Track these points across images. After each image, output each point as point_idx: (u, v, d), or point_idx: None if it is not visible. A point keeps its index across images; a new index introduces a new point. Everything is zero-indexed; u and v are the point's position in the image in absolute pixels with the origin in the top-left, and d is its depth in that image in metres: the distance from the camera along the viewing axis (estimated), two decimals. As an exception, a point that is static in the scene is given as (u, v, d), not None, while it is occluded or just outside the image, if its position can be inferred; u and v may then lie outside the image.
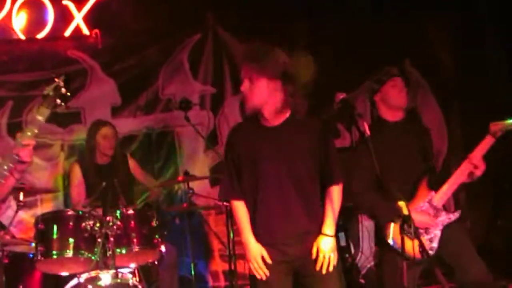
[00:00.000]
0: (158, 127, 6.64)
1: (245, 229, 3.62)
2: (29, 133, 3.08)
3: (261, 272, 3.55)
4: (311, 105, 3.60)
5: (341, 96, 3.53)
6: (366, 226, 5.86)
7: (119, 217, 4.48)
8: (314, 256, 3.56)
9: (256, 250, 3.58)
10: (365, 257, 5.85)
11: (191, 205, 5.51)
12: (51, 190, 5.81)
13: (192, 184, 5.65)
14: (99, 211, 4.73)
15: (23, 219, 6.00)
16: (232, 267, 5.34)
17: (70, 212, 4.57)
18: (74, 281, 4.51)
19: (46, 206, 6.07)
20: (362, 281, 5.75)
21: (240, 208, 3.65)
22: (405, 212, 3.35)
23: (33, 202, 6.09)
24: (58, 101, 3.15)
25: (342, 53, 6.60)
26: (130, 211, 4.63)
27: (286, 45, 3.63)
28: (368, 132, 3.46)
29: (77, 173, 5.43)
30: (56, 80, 3.16)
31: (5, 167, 3.06)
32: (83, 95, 6.45)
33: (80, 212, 4.55)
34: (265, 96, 3.52)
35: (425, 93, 7.02)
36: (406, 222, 3.36)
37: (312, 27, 6.65)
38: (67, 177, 6.01)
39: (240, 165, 3.65)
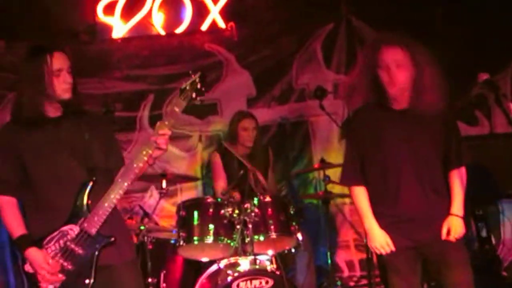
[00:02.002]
0: (292, 117, 6.63)
1: (369, 216, 3.54)
2: (166, 123, 3.19)
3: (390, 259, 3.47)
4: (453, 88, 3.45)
5: (484, 76, 3.37)
6: (508, 216, 5.59)
7: (256, 204, 4.52)
8: (444, 236, 3.44)
9: (381, 238, 3.49)
10: (507, 249, 5.58)
11: (327, 193, 5.43)
12: (192, 178, 5.93)
13: (327, 173, 5.59)
14: (238, 199, 4.77)
15: (165, 208, 6.20)
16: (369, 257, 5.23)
17: (210, 199, 4.66)
18: (214, 267, 4.59)
19: (186, 195, 6.23)
20: (504, 273, 5.47)
21: (362, 194, 3.57)
22: None
23: (173, 191, 6.27)
24: (194, 95, 3.23)
25: (482, 35, 6.27)
26: (268, 199, 4.65)
27: (421, 32, 3.51)
28: None
29: (217, 162, 5.51)
30: (193, 76, 3.25)
31: (144, 152, 3.17)
32: (219, 87, 6.56)
33: (219, 199, 4.63)
34: (409, 81, 3.44)
35: None
36: None
37: (447, 10, 6.39)
38: (206, 166, 6.13)
39: (364, 148, 3.57)
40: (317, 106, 6.05)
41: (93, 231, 3.16)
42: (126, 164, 3.31)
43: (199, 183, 6.44)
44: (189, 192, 6.36)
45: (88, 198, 3.20)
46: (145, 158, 3.17)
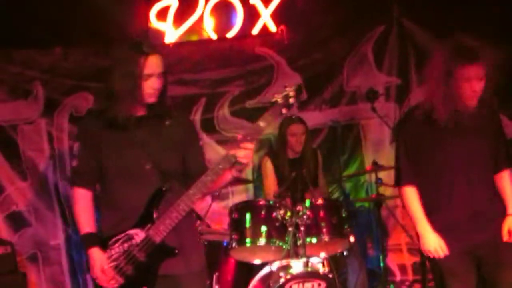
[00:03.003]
0: (343, 120, 6.60)
1: (421, 219, 3.50)
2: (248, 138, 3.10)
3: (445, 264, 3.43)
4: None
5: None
6: None
7: (309, 206, 4.50)
8: (506, 238, 3.40)
9: (435, 241, 3.45)
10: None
11: (379, 195, 5.38)
12: (244, 181, 5.95)
13: (379, 176, 5.54)
14: (289, 201, 4.76)
15: (216, 210, 6.23)
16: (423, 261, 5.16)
17: (262, 202, 4.64)
18: (266, 269, 4.60)
19: (237, 198, 6.26)
20: None
21: (414, 196, 3.53)
22: None
23: (225, 194, 6.31)
24: (284, 110, 3.11)
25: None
26: (319, 201, 4.62)
27: (473, 32, 3.46)
28: None
29: (268, 166, 5.52)
30: (287, 89, 3.14)
31: (220, 166, 3.11)
32: (270, 90, 6.53)
33: (271, 202, 4.60)
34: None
35: None
36: None
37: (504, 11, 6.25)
38: (257, 169, 6.15)
39: (417, 149, 3.53)
40: (368, 109, 6.00)
41: (158, 239, 3.13)
42: (201, 177, 3.15)
43: (250, 186, 6.45)
44: (240, 195, 6.39)
45: (159, 205, 3.16)
46: (220, 173, 3.11)
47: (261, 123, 3.10)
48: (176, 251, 3.15)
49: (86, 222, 3.24)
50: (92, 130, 3.25)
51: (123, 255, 3.15)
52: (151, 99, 3.19)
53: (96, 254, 3.16)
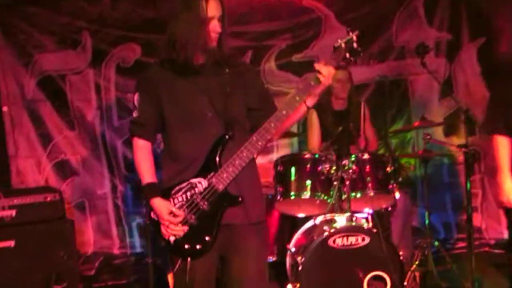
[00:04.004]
0: (391, 75, 6.49)
1: (505, 170, 3.52)
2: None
3: None
4: None
5: None
6: None
7: (354, 161, 4.47)
8: None
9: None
10: None
11: (426, 152, 5.29)
12: (289, 134, 5.92)
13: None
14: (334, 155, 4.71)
15: (261, 164, 6.20)
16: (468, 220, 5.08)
17: (308, 155, 4.62)
18: (309, 223, 4.62)
19: (282, 152, 6.24)
20: None
21: (506, 146, 3.53)
22: None
23: (270, 148, 6.30)
24: (347, 54, 3.06)
25: None
26: (366, 156, 4.59)
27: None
28: None
29: (314, 119, 5.46)
30: (350, 33, 3.08)
31: (297, 98, 3.07)
32: (318, 44, 6.46)
33: (317, 155, 4.58)
34: None
35: None
36: None
37: None
38: (302, 123, 6.10)
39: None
40: (417, 64, 5.82)
41: (221, 187, 3.07)
42: (264, 124, 3.08)
43: (294, 140, 6.44)
44: (285, 149, 6.37)
45: (222, 153, 3.09)
46: (297, 105, 3.06)
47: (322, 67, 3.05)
48: (240, 199, 3.10)
49: (147, 172, 3.20)
50: (153, 80, 3.20)
51: (185, 204, 3.10)
52: (212, 44, 3.13)
53: (159, 203, 3.12)
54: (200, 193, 3.09)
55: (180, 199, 3.11)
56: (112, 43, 6.30)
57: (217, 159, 3.09)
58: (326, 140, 5.28)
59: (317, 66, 3.07)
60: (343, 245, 4.24)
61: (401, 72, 6.52)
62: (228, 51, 3.19)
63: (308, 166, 4.52)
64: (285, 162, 4.63)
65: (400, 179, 4.85)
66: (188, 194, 3.10)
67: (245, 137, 3.13)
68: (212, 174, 3.09)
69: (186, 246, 3.10)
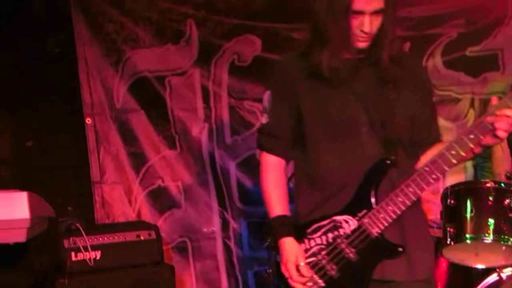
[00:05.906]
0: None
1: None
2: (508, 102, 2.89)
3: None
4: None
5: None
6: None
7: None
8: None
9: None
10: None
11: None
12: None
13: None
14: None
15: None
16: None
17: (489, 184, 4.47)
18: (492, 277, 4.55)
19: (451, 179, 6.06)
20: None
21: None
22: None
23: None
24: None
25: None
26: None
27: None
28: None
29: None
30: None
31: (471, 136, 2.94)
32: (502, 32, 6.33)
33: (503, 184, 4.44)
34: None
35: None
36: None
37: None
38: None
39: None
40: None
41: (375, 231, 3.05)
42: (440, 150, 3.02)
43: (469, 164, 6.30)
44: (456, 174, 6.16)
45: (379, 184, 3.05)
46: (471, 145, 2.95)
47: None
48: (401, 249, 3.05)
49: (278, 202, 3.22)
50: (293, 76, 3.18)
51: (325, 249, 3.10)
52: (361, 44, 3.07)
53: (290, 246, 3.13)
54: (347, 236, 3.07)
55: (318, 241, 3.10)
56: (225, 35, 6.38)
57: (373, 192, 3.04)
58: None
59: (489, 117, 2.91)
60: (541, 309, 4.11)
61: None
62: (393, 54, 3.09)
63: (491, 198, 4.39)
64: (458, 193, 4.52)
65: None
66: (330, 235, 3.10)
67: (409, 163, 3.08)
68: (364, 212, 3.07)
69: None
